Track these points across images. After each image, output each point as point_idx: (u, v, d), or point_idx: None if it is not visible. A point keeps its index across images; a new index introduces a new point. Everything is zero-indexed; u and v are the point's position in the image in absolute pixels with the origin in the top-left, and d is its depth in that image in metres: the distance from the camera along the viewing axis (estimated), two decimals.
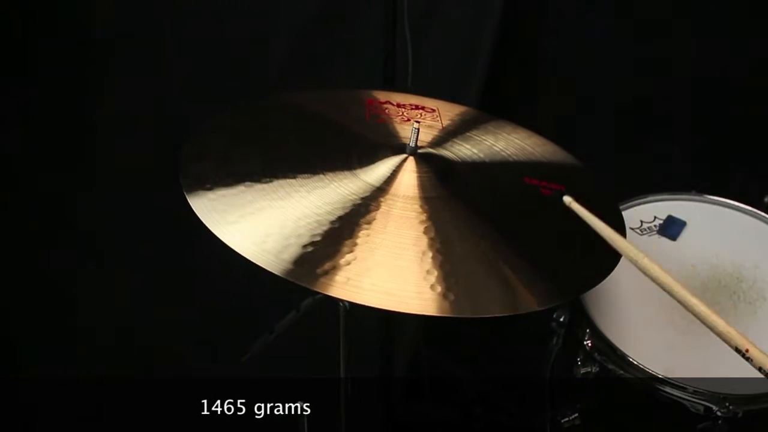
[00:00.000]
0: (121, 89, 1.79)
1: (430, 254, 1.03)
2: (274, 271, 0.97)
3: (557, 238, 1.15)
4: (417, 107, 1.36)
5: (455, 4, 1.94)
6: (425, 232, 1.06)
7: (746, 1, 1.93)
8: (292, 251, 1.00)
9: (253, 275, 1.03)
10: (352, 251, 1.01)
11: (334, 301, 1.21)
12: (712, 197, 1.59)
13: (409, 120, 1.31)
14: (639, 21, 2.00)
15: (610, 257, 1.09)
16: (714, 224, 1.55)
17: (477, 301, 1.00)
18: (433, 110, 1.36)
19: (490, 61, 1.98)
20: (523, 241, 1.10)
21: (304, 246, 1.01)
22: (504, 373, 2.05)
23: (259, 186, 1.10)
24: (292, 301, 1.63)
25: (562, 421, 1.44)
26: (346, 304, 1.22)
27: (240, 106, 1.31)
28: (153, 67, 1.80)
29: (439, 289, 0.99)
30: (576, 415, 1.44)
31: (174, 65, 1.81)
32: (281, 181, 1.11)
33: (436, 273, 1.00)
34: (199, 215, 1.03)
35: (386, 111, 1.34)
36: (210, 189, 1.08)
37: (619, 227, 1.19)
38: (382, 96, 1.38)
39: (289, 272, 0.97)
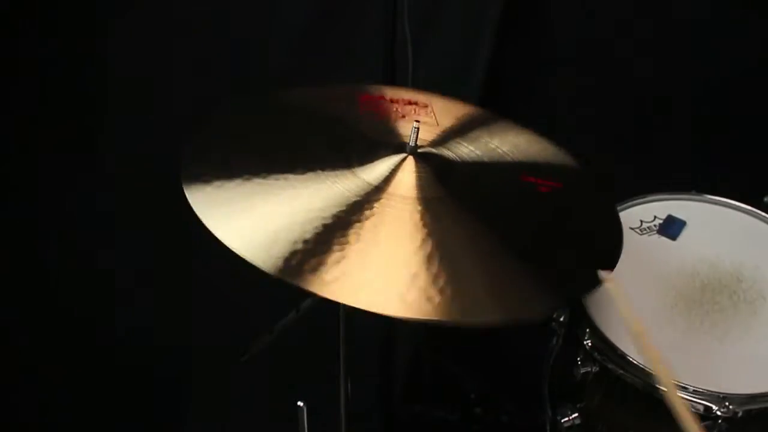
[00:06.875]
0: (120, 88, 1.79)
1: (421, 255, 1.02)
2: (260, 266, 0.96)
3: (555, 243, 1.14)
4: (410, 103, 1.33)
5: (455, 4, 1.94)
6: (419, 232, 1.05)
7: (747, 1, 1.94)
8: (281, 247, 0.99)
9: (253, 275, 1.04)
10: (342, 250, 1.00)
11: (334, 302, 1.21)
12: (712, 197, 1.59)
13: (404, 116, 1.29)
14: (639, 21, 2.00)
15: (607, 263, 1.08)
16: (714, 224, 1.55)
17: (466, 306, 0.98)
18: (426, 106, 1.33)
19: (490, 61, 1.98)
20: (520, 246, 1.09)
21: (294, 242, 1.00)
22: (504, 373, 2.05)
23: (256, 180, 1.09)
24: (292, 301, 1.63)
25: (562, 421, 1.44)
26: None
27: (240, 104, 1.30)
28: (152, 67, 1.80)
29: (428, 292, 0.97)
30: (576, 415, 1.44)
31: (173, 66, 1.81)
32: (278, 176, 1.10)
33: (424, 276, 0.99)
34: (193, 206, 1.03)
35: (381, 107, 1.31)
36: (208, 182, 1.07)
37: (617, 228, 1.19)
38: (375, 91, 1.35)
39: (277, 268, 0.97)
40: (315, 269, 0.97)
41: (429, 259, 1.02)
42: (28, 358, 1.82)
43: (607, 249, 1.15)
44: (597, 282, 1.05)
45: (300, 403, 1.24)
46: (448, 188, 1.15)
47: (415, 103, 1.34)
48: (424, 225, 1.06)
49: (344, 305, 1.23)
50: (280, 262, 0.97)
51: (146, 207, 1.82)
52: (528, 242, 1.12)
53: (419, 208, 1.09)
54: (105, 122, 1.80)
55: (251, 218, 1.04)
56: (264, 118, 1.28)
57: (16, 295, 1.79)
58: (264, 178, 1.10)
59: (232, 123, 1.25)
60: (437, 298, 0.97)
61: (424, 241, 1.04)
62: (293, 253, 0.99)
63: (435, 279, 0.99)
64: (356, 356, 1.32)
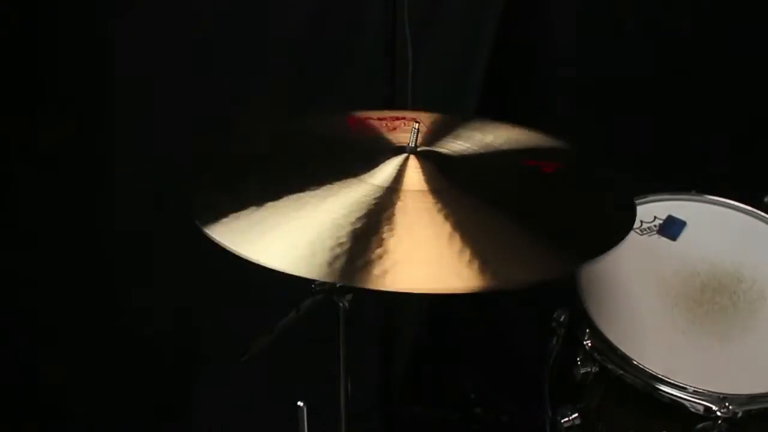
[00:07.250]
0: (120, 88, 1.79)
1: (457, 236, 1.07)
2: (310, 276, 1.00)
3: (568, 209, 1.19)
4: (398, 118, 1.39)
5: (455, 4, 1.94)
6: (445, 218, 1.10)
7: (747, 2, 1.94)
8: (322, 255, 1.02)
9: (253, 275, 1.04)
10: (381, 246, 1.04)
11: (334, 302, 1.22)
12: (712, 197, 1.59)
13: (395, 128, 1.34)
14: (639, 20, 2.00)
15: (625, 221, 1.16)
16: (714, 224, 1.55)
17: (513, 271, 1.04)
18: (414, 119, 1.37)
19: (490, 61, 1.98)
20: (537, 214, 1.15)
21: (332, 248, 1.03)
22: (504, 374, 2.05)
23: (269, 205, 1.12)
24: (292, 301, 1.63)
25: (562, 421, 1.44)
26: (346, 304, 1.22)
27: (235, 136, 1.34)
28: (152, 67, 1.80)
29: (475, 264, 1.02)
30: (576, 415, 1.44)
31: (173, 66, 1.81)
32: (291, 196, 1.14)
33: (468, 251, 1.04)
34: (221, 242, 1.05)
35: (370, 124, 1.37)
36: (223, 217, 1.10)
37: (628, 189, 1.29)
38: (361, 114, 1.41)
39: (326, 274, 1.00)
40: (362, 267, 1.01)
41: (466, 237, 1.07)
42: (28, 358, 1.82)
43: (623, 205, 1.23)
44: (615, 240, 1.08)
45: (300, 403, 1.24)
46: (456, 180, 1.19)
47: (403, 118, 1.39)
48: (447, 211, 1.12)
49: (343, 305, 1.23)
50: (324, 268, 1.01)
51: (146, 206, 1.82)
52: (542, 212, 1.17)
53: (435, 198, 1.14)
54: (105, 122, 1.80)
55: (281, 237, 1.07)
56: (261, 148, 1.32)
57: (16, 295, 1.79)
58: (276, 200, 1.13)
59: (230, 157, 1.29)
60: (490, 268, 1.02)
61: (454, 224, 1.09)
62: (335, 257, 1.02)
63: (480, 252, 1.04)
64: (356, 356, 1.32)
